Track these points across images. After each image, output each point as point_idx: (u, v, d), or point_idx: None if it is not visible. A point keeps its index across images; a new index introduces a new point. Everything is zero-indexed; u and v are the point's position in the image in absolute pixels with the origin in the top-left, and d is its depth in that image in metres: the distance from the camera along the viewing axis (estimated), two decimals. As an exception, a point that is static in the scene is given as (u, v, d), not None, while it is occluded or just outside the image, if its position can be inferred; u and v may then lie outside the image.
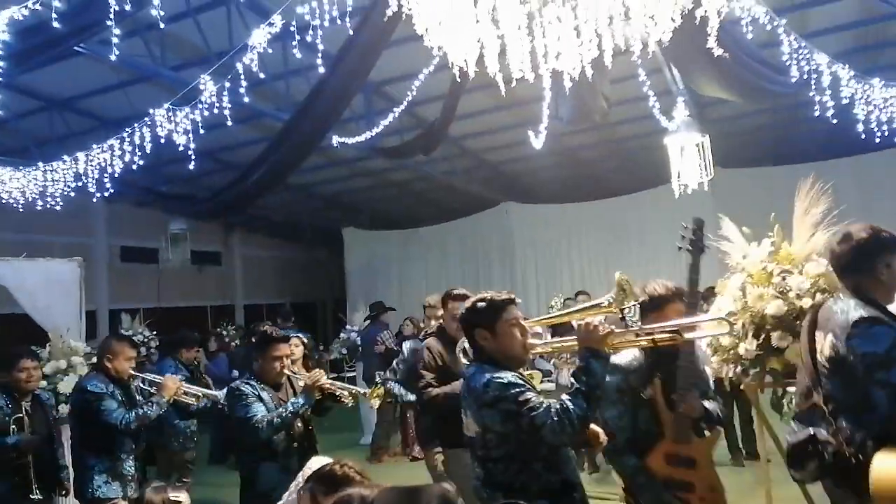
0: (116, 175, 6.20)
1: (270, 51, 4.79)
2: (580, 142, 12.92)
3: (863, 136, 6.47)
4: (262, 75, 4.73)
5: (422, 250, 16.99)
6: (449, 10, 3.10)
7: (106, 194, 6.65)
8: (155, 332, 8.34)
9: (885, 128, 6.42)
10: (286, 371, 3.81)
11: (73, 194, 7.16)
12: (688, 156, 8.64)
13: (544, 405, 2.44)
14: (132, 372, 4.30)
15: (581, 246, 15.15)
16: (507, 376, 2.53)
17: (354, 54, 5.14)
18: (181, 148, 5.43)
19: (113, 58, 4.19)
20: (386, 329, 9.96)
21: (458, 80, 3.21)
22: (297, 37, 4.26)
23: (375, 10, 4.54)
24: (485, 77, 3.51)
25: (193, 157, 5.48)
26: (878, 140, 6.80)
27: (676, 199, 8.71)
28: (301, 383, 3.78)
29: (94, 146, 6.31)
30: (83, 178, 6.57)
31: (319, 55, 4.39)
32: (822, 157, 11.33)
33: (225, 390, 4.81)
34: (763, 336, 3.27)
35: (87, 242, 13.78)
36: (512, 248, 15.64)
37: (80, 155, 6.51)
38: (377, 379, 8.94)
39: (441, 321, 4.46)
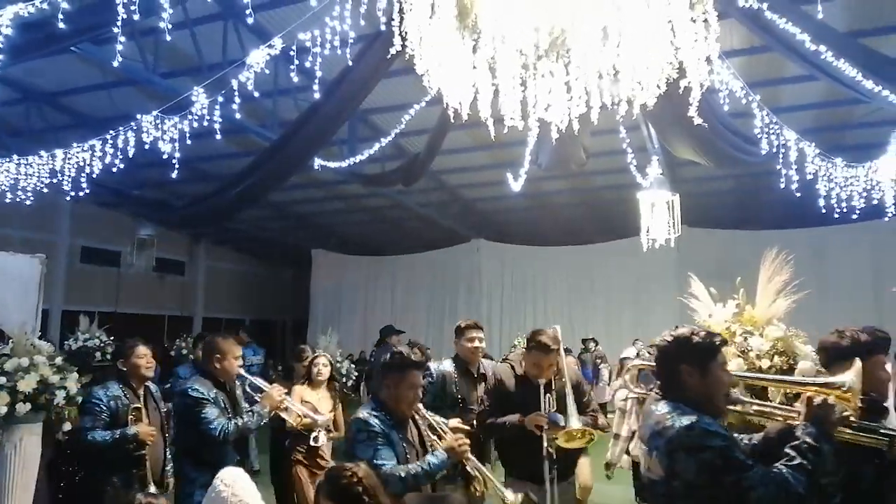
0: (95, 176, 6.15)
1: (267, 71, 4.88)
2: (555, 188, 13.22)
3: (823, 211, 6.80)
4: (256, 94, 4.80)
5: (390, 278, 17.03)
6: (449, 54, 3.24)
7: (81, 194, 6.56)
8: (112, 338, 8.12)
9: (844, 205, 6.77)
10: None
11: (45, 190, 7.06)
12: (658, 212, 8.95)
13: (755, 469, 2.16)
14: (242, 372, 4.00)
15: (547, 289, 15.40)
16: (716, 425, 2.25)
17: (351, 83, 5.26)
18: (165, 156, 5.44)
19: (116, 63, 4.22)
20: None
21: (453, 120, 3.31)
22: (297, 61, 4.35)
23: (376, 43, 4.68)
24: (469, 116, 3.61)
25: (181, 165, 5.48)
26: (836, 216, 7.15)
27: (643, 253, 8.99)
28: (425, 426, 3.17)
29: (75, 144, 6.26)
30: (59, 175, 6.49)
31: (317, 81, 4.48)
32: (781, 226, 11.82)
33: (323, 415, 4.43)
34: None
35: (47, 239, 13.47)
36: (479, 284, 15.80)
37: (59, 152, 6.45)
38: None
39: (471, 341, 4.27)
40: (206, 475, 3.51)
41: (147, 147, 5.65)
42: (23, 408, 3.48)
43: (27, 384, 3.48)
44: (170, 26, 4.00)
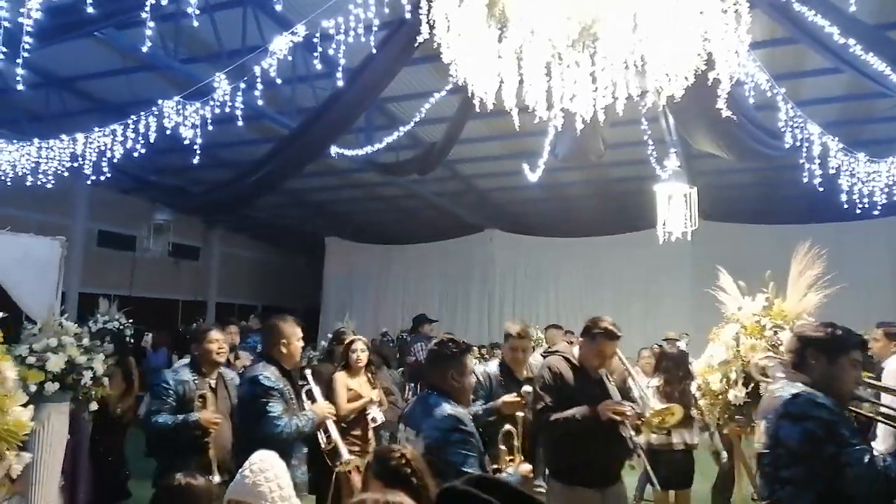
0: (116, 160, 6.19)
1: (290, 58, 4.88)
2: (571, 179, 13.16)
3: (845, 206, 6.74)
4: (279, 80, 4.81)
5: (402, 267, 17.04)
6: (476, 43, 3.22)
7: (102, 178, 6.61)
8: (131, 321, 8.22)
9: (865, 200, 6.71)
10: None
11: (66, 174, 7.11)
12: (675, 205, 8.90)
13: (859, 447, 2.19)
14: (309, 377, 3.90)
15: (560, 280, 15.36)
16: (824, 398, 2.29)
17: (373, 71, 5.24)
18: (187, 141, 5.46)
19: (145, 49, 4.24)
20: (426, 341, 9.92)
21: (478, 109, 3.30)
22: (320, 48, 4.35)
23: (400, 31, 4.67)
24: (485, 105, 3.56)
25: (199, 151, 5.51)
26: (858, 211, 7.08)
27: (656, 246, 8.95)
28: None
29: (96, 129, 6.30)
30: (80, 159, 6.54)
31: (340, 68, 4.48)
32: (800, 221, 11.71)
33: (351, 457, 4.08)
34: (752, 384, 3.35)
35: (65, 223, 13.57)
36: (493, 275, 15.78)
37: (80, 136, 6.49)
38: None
39: (514, 350, 4.12)
40: None
41: (168, 132, 5.68)
42: (51, 387, 3.53)
43: (56, 364, 3.53)
44: (197, 12, 4.01)
